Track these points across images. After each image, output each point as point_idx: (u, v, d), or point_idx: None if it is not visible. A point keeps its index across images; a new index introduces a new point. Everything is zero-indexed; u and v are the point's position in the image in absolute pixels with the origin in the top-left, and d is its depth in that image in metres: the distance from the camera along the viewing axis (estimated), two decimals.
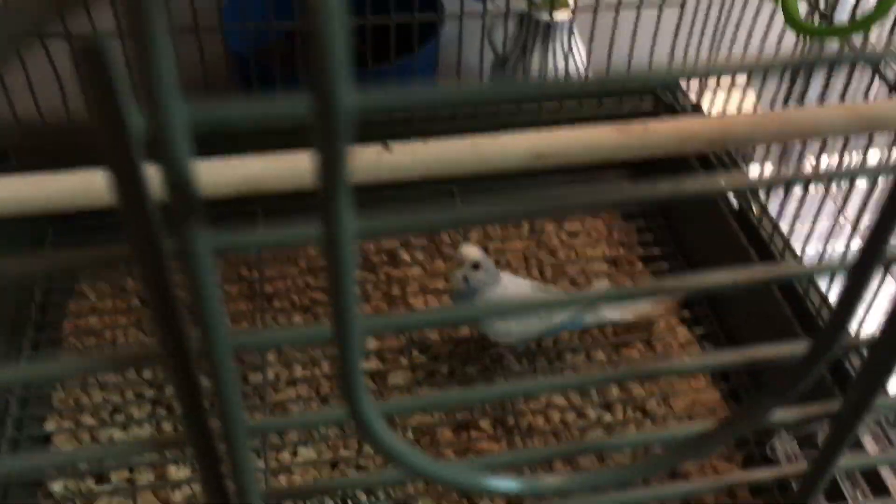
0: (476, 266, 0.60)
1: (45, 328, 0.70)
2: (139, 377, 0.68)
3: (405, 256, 0.78)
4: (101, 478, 0.61)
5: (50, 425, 0.64)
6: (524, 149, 0.42)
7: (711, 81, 0.73)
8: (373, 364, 0.69)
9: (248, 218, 0.78)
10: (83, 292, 0.75)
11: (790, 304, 0.64)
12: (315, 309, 0.73)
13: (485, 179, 0.81)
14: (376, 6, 0.70)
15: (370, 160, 0.42)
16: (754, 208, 0.70)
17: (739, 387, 0.67)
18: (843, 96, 0.58)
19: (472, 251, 0.60)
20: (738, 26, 0.68)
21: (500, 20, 0.82)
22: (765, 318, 0.67)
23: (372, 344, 0.70)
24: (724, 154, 0.74)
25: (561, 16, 0.82)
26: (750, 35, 0.67)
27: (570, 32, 0.77)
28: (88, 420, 0.65)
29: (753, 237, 0.69)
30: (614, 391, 0.67)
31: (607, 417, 0.66)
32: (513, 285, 0.62)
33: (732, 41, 0.69)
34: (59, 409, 0.65)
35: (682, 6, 0.72)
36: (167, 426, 0.65)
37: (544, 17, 0.82)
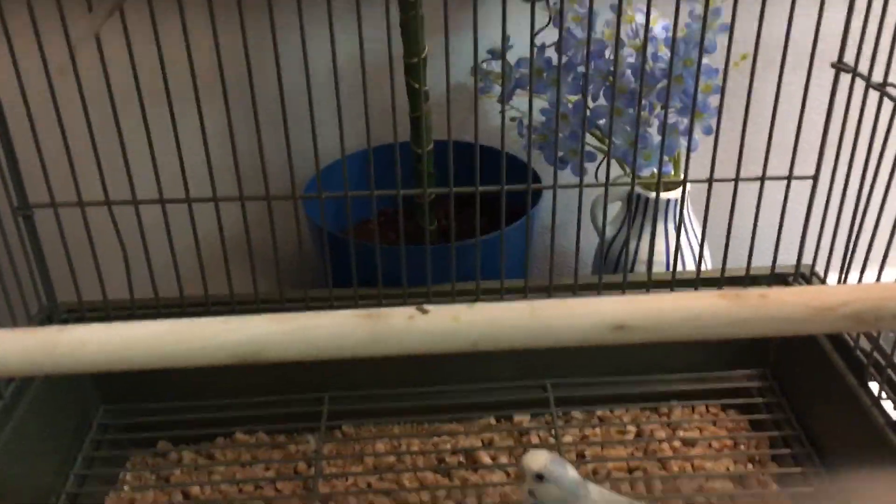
0: (540, 477, 0.48)
1: None
2: None
3: (486, 458, 0.67)
4: None
5: None
6: (601, 316, 0.32)
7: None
8: None
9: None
10: (126, 481, 0.67)
11: None
12: None
13: (581, 373, 0.71)
14: (461, 177, 0.63)
15: (399, 325, 0.33)
16: None
17: None
18: None
19: (535, 459, 0.48)
20: (884, 199, 0.57)
21: (601, 197, 0.74)
22: None
23: None
24: (868, 343, 0.60)
25: (671, 194, 0.74)
26: None
27: (682, 210, 0.68)
28: None
29: None
30: None
31: None
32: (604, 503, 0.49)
33: (878, 216, 0.58)
34: None
35: (815, 179, 0.62)
36: None
37: (652, 195, 0.74)
